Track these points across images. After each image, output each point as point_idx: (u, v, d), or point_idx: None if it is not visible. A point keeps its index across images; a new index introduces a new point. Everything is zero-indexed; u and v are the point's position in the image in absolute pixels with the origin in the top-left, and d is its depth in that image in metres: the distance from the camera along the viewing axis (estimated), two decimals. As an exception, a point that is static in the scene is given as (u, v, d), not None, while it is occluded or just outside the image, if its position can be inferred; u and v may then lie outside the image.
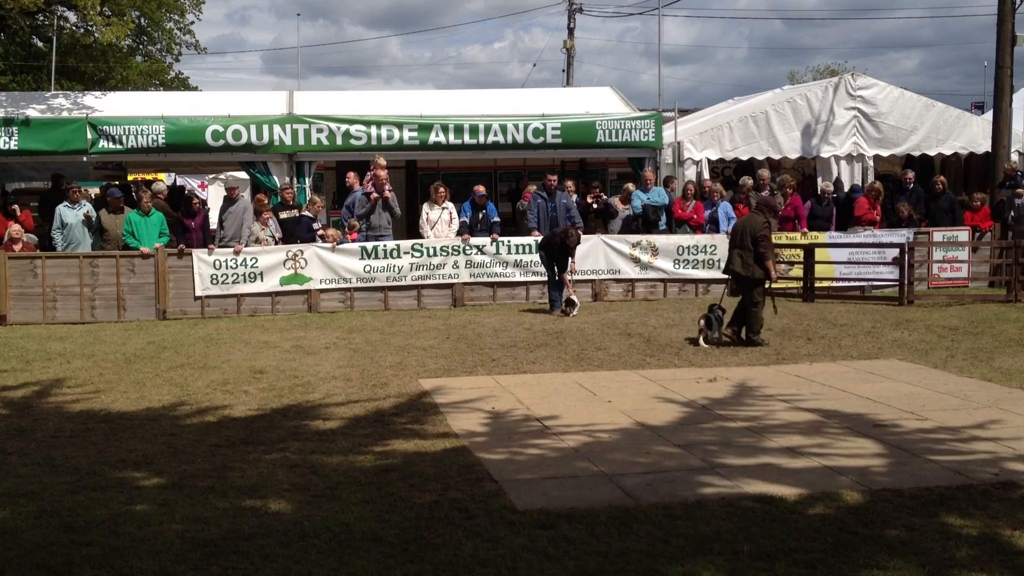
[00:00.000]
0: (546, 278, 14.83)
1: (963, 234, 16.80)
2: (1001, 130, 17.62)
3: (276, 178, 16.39)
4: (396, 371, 10.03)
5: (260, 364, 10.51)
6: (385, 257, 15.40)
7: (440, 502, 5.64)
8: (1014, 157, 18.19)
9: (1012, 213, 17.05)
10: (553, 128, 16.94)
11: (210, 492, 5.91)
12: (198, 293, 14.87)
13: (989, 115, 19.35)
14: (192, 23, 38.52)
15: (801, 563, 4.69)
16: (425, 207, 16.06)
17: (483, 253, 15.71)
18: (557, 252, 14.41)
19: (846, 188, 18.03)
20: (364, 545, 4.96)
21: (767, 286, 11.63)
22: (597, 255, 16.07)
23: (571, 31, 38.48)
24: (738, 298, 11.82)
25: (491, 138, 16.81)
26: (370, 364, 10.46)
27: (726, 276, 12.63)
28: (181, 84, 41.28)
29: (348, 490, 5.90)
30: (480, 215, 16.03)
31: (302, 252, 15.14)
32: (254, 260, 14.97)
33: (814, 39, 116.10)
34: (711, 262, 16.25)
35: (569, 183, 16.84)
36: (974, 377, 9.33)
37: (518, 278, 15.53)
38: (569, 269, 14.47)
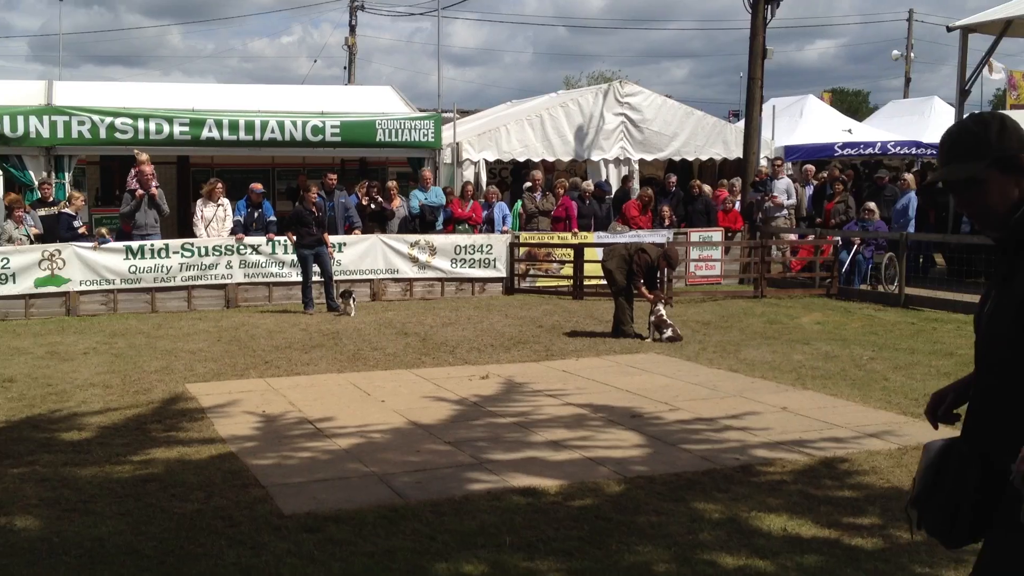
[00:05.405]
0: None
1: (717, 235, 18.01)
2: (752, 137, 19.00)
3: (32, 173, 15.35)
4: (161, 376, 9.64)
5: (9, 372, 9.81)
6: (152, 257, 14.71)
7: (203, 511, 5.50)
8: (763, 163, 19.66)
9: (760, 215, 18.45)
10: (333, 126, 16.79)
11: (-53, 512, 5.49)
12: (-61, 296, 13.68)
13: (742, 123, 20.81)
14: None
15: (559, 551, 4.92)
16: (199, 204, 15.45)
17: (259, 253, 15.31)
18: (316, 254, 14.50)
19: (614, 191, 18.90)
20: (119, 559, 4.77)
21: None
22: (376, 254, 16.03)
23: (352, 28, 38.19)
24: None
25: (268, 135, 16.47)
26: (133, 369, 9.99)
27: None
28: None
29: (103, 503, 5.63)
30: (256, 214, 15.64)
31: (60, 252, 14.22)
32: (5, 260, 13.91)
33: (595, 46, 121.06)
34: (487, 261, 16.61)
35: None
36: (722, 368, 10.04)
37: (295, 278, 15.20)
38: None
